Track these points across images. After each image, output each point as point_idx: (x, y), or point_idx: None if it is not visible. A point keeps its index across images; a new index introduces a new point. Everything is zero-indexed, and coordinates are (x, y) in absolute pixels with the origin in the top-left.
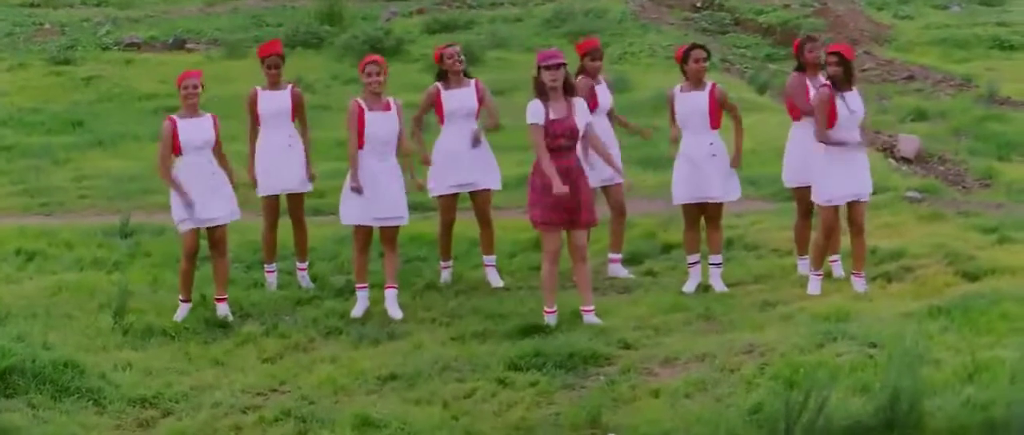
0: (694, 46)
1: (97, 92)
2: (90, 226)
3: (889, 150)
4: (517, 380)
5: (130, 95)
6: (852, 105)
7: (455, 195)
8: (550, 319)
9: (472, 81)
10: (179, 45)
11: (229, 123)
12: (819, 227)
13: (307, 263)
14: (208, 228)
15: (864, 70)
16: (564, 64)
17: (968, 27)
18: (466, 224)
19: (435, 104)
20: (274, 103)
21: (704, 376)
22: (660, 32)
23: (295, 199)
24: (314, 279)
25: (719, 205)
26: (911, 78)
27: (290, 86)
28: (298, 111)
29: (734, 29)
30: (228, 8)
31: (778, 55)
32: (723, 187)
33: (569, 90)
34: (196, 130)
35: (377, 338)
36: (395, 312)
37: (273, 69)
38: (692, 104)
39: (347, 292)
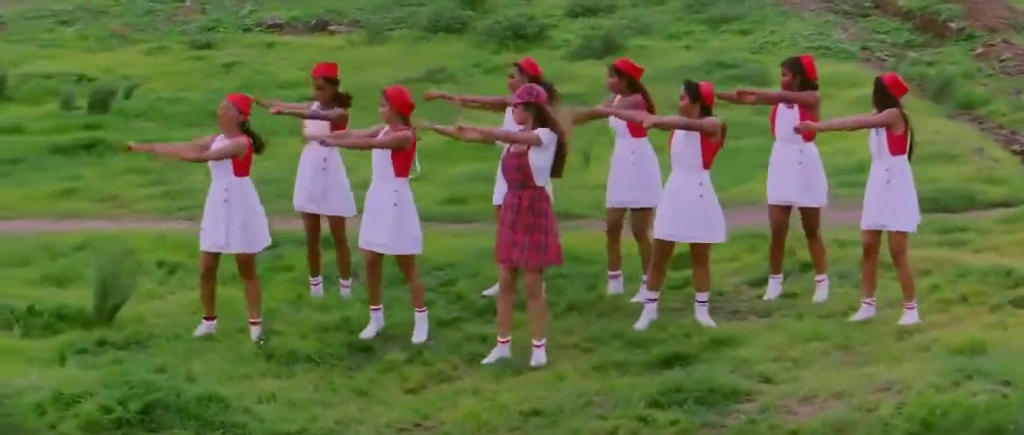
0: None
1: (238, 79)
2: None
3: None
4: (658, 418)
5: (270, 83)
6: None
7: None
8: (498, 351)
9: None
10: (321, 27)
11: (363, 115)
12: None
13: (350, 280)
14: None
15: (1002, 60)
16: (520, 103)
17: None
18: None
19: None
20: (317, 124)
21: (842, 416)
22: (801, 19)
23: (333, 220)
24: (458, 297)
25: (706, 246)
26: None
27: (338, 111)
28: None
29: (874, 12)
30: None
31: (917, 41)
32: (707, 229)
33: (542, 121)
34: (217, 147)
35: (519, 367)
36: (422, 334)
37: (321, 90)
38: (685, 142)
39: (491, 312)
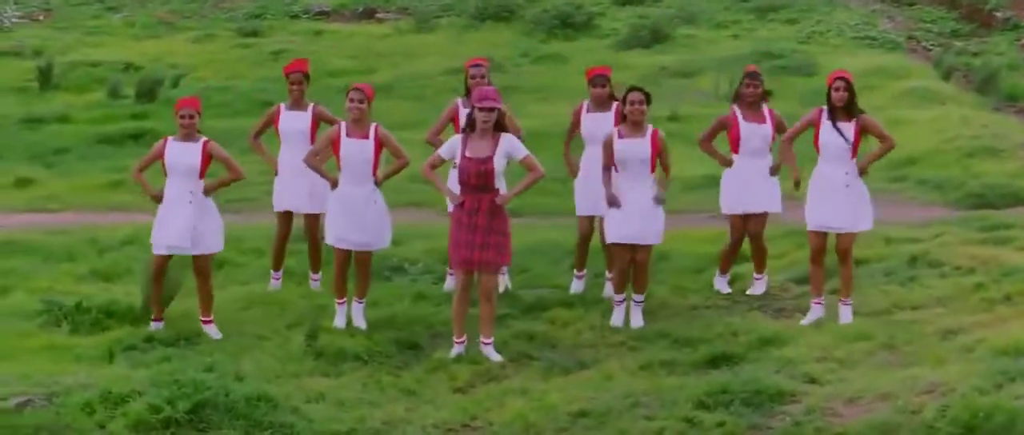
0: (632, 88)
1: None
2: None
3: None
4: (705, 420)
5: (319, 71)
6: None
7: None
8: (457, 349)
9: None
10: (369, 14)
11: (414, 105)
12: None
13: (320, 275)
14: (192, 255)
15: None
16: (497, 108)
17: None
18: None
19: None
20: (294, 123)
21: (886, 419)
22: (847, 8)
23: (310, 218)
24: (504, 293)
25: (648, 248)
26: None
27: (312, 105)
28: (317, 126)
29: (920, 1)
30: None
31: (962, 31)
32: (653, 232)
33: (500, 127)
34: (183, 155)
35: (567, 367)
36: (361, 322)
37: (295, 86)
38: (632, 150)
39: (538, 309)
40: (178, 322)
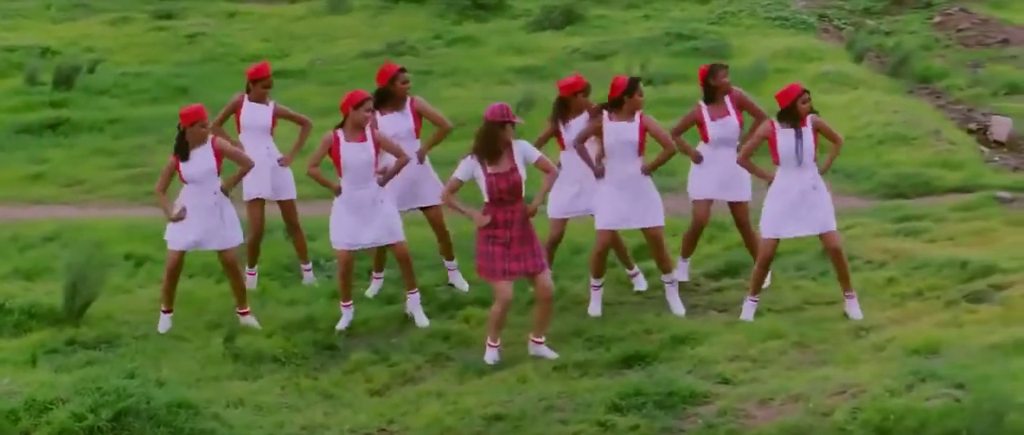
0: (637, 79)
1: (201, 51)
2: None
3: (981, 132)
4: (618, 423)
5: (235, 55)
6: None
7: None
8: (491, 354)
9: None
10: None
11: (330, 91)
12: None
13: (310, 264)
14: (217, 250)
15: (960, 30)
16: (516, 121)
17: None
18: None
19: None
20: (255, 116)
21: (798, 421)
22: None
23: (285, 206)
24: (424, 292)
25: (659, 228)
26: (1006, 42)
27: (272, 103)
28: (276, 121)
29: None
30: None
31: (875, 8)
32: (651, 214)
33: (493, 138)
34: (199, 161)
35: (482, 368)
36: (422, 319)
37: (263, 88)
38: (620, 133)
39: (453, 308)
40: (98, 324)
